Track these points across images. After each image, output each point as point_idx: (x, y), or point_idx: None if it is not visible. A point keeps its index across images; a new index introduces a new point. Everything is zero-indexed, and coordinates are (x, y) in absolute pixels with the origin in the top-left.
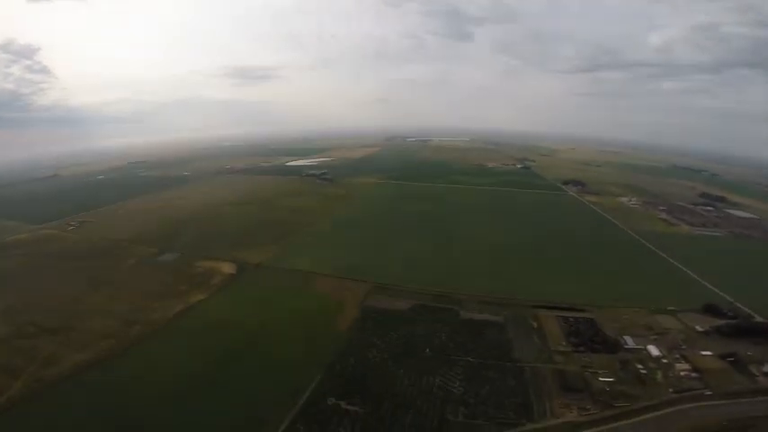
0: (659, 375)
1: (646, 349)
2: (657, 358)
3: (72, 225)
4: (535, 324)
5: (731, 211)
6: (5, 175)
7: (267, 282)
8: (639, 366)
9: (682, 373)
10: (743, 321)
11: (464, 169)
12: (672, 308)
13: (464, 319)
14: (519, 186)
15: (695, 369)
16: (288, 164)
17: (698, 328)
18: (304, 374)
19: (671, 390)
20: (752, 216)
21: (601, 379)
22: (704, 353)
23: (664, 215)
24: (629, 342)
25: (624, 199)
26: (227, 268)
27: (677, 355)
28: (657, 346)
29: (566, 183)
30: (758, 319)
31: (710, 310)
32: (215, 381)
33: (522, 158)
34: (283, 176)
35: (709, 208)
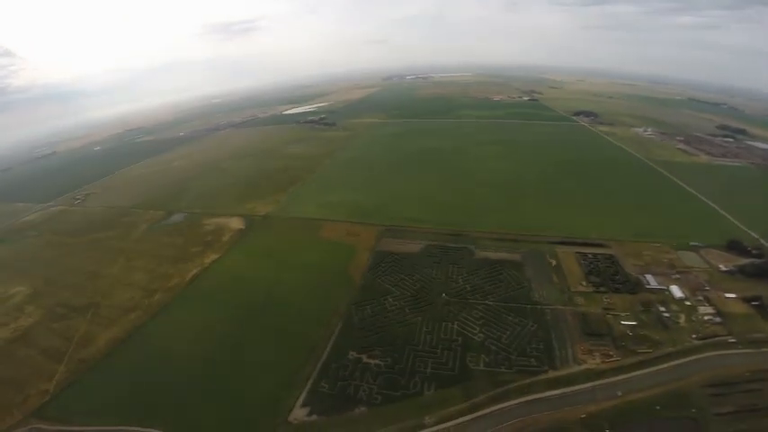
0: (682, 319)
1: (668, 290)
2: (680, 300)
3: (78, 199)
4: (554, 262)
5: (752, 143)
6: (4, 159)
7: (276, 233)
8: (662, 309)
9: (705, 318)
10: (767, 261)
11: (469, 103)
12: (695, 243)
13: (479, 259)
14: (528, 118)
15: (719, 313)
16: (285, 112)
17: (722, 267)
18: (323, 329)
19: (694, 336)
20: None
21: (623, 322)
22: (728, 295)
23: (682, 146)
24: (652, 282)
25: (639, 129)
26: (236, 223)
27: (700, 297)
28: (680, 286)
29: (576, 114)
30: None
31: (734, 246)
32: (237, 347)
33: (529, 91)
34: (282, 125)
35: (729, 139)
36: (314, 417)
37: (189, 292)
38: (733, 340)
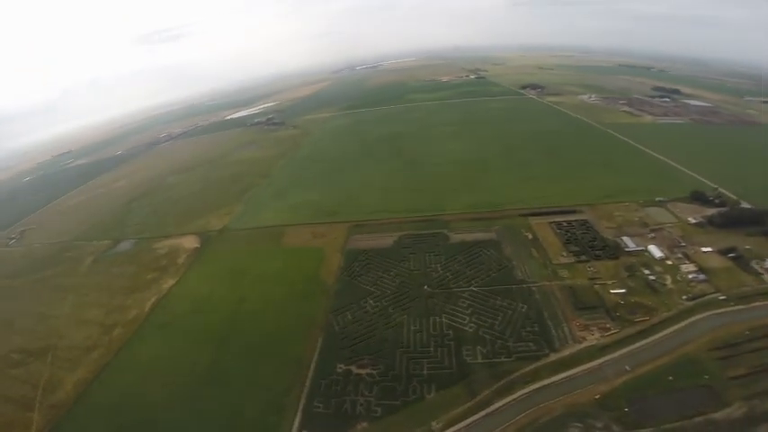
0: (668, 281)
1: (647, 250)
2: (661, 260)
3: (13, 237)
4: (530, 235)
5: (688, 101)
6: None
7: (236, 247)
8: (647, 272)
9: (690, 276)
10: (732, 210)
11: (419, 87)
12: (660, 198)
13: (455, 243)
14: (478, 95)
15: (701, 270)
16: (229, 117)
17: (691, 219)
18: (303, 344)
19: (684, 297)
20: (708, 104)
21: (612, 291)
22: (704, 249)
23: (626, 108)
24: (630, 244)
25: (584, 97)
26: (190, 242)
27: (679, 255)
28: (658, 245)
29: (524, 87)
30: (745, 205)
31: (698, 197)
32: (215, 375)
33: (474, 69)
34: (227, 131)
35: (666, 99)
36: None
37: (150, 323)
38: (723, 297)
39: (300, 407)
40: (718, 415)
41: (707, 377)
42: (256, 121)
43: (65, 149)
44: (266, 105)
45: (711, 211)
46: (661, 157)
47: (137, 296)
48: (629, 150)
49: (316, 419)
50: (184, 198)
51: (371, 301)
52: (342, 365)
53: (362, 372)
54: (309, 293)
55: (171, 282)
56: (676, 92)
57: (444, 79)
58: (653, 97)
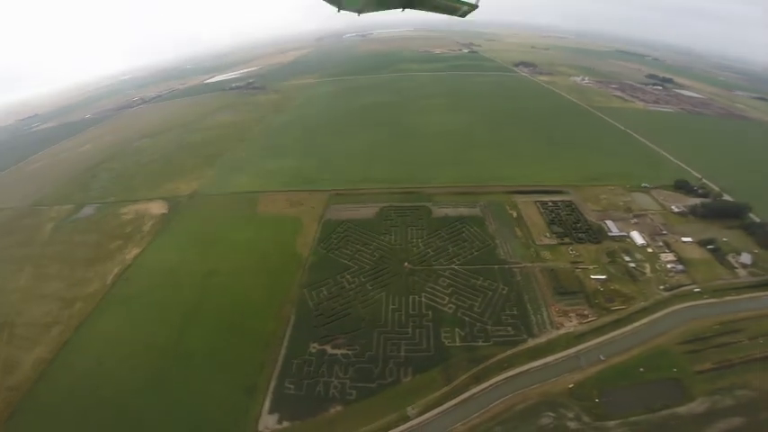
0: (648, 270)
1: (629, 237)
2: (642, 247)
3: None
4: (514, 213)
5: (680, 91)
6: None
7: (206, 214)
8: (627, 259)
9: (668, 266)
10: (714, 201)
11: (411, 57)
12: (645, 184)
13: (439, 218)
14: (470, 70)
15: (680, 260)
16: (207, 81)
17: (674, 208)
18: (275, 321)
19: (662, 287)
20: (699, 96)
21: (593, 277)
22: (685, 239)
23: (618, 92)
24: (613, 228)
25: (577, 78)
26: (157, 208)
27: (660, 243)
28: (640, 232)
29: (516, 65)
30: (727, 197)
31: (682, 186)
32: (181, 353)
33: (468, 44)
34: (204, 95)
35: (658, 87)
36: (285, 424)
37: (113, 296)
38: (698, 290)
39: (271, 388)
40: (681, 409)
41: (675, 370)
42: (235, 85)
43: (31, 114)
44: (247, 70)
45: (694, 201)
46: (649, 144)
47: (99, 267)
48: (618, 134)
49: (287, 402)
50: (153, 161)
51: (349, 277)
52: (315, 344)
53: (337, 352)
54: (283, 266)
55: (136, 251)
56: (669, 81)
57: (437, 51)
58: (646, 84)
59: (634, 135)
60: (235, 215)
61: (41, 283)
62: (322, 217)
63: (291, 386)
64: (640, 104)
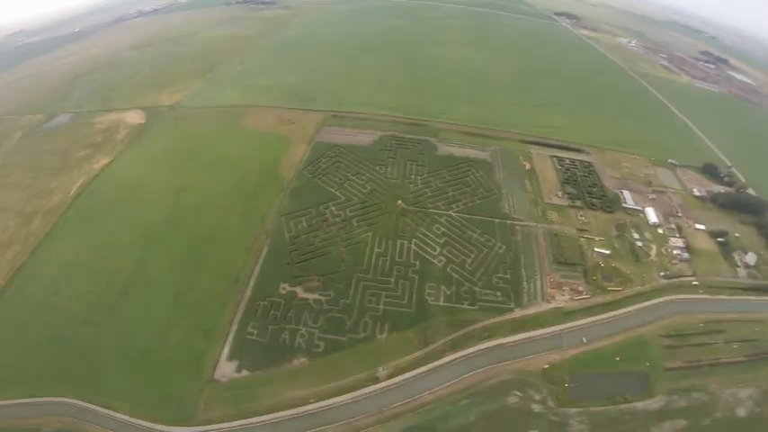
0: (653, 251)
1: (643, 212)
2: (654, 226)
3: None
4: (527, 165)
5: (732, 73)
6: None
7: (186, 125)
8: (636, 236)
9: (674, 252)
10: (737, 193)
11: None
12: (672, 161)
13: (443, 156)
14: (506, 10)
15: (687, 248)
16: None
17: (695, 191)
18: (245, 253)
19: (662, 274)
20: (752, 83)
21: (596, 249)
22: (698, 226)
23: (665, 62)
24: (629, 200)
25: (623, 40)
26: (134, 117)
27: (672, 226)
28: (655, 209)
29: (558, 14)
30: (751, 191)
31: (709, 170)
32: (140, 284)
33: None
34: (208, 8)
35: (710, 65)
36: (244, 372)
37: (74, 211)
38: (695, 283)
39: (232, 332)
40: (639, 405)
41: (648, 365)
42: None
43: (17, 29)
44: None
45: (718, 188)
46: (686, 120)
47: (63, 177)
48: (654, 104)
49: (247, 349)
50: (139, 73)
51: (333, 208)
52: (286, 285)
53: (309, 296)
54: (262, 188)
55: (104, 161)
56: (724, 61)
57: None
58: (697, 60)
59: (671, 108)
60: (217, 129)
61: (1, 195)
62: (313, 138)
63: (254, 331)
64: (686, 78)
